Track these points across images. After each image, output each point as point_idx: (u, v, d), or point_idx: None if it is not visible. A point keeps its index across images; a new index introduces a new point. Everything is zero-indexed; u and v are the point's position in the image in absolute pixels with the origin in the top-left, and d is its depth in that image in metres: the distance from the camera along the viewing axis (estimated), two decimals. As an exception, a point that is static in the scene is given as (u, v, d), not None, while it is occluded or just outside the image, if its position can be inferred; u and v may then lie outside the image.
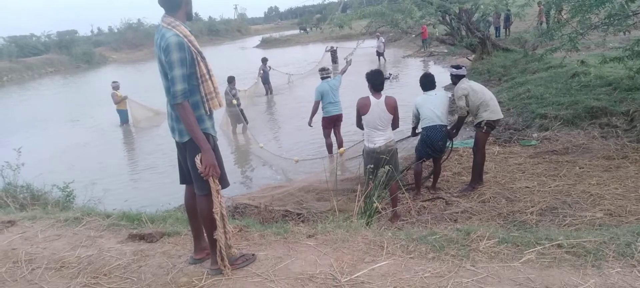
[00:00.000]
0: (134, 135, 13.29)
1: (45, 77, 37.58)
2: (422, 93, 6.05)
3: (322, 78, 8.39)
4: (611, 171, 6.01)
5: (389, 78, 17.32)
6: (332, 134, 8.58)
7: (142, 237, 3.51)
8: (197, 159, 2.65)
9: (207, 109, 2.73)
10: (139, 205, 6.04)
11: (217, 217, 2.70)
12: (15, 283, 2.99)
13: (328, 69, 8.74)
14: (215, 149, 2.76)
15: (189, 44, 2.60)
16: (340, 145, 8.49)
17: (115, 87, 13.53)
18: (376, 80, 5.13)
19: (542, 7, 17.98)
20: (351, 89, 10.34)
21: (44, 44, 49.31)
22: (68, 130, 14.85)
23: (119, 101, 13.54)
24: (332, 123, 8.45)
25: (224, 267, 2.80)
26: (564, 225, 4.54)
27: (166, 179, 8.38)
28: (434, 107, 5.81)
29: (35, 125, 15.97)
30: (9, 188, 5.59)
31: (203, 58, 2.68)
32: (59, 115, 17.66)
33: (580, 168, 6.23)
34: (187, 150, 2.74)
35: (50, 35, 51.77)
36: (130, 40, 53.90)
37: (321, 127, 8.55)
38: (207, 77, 2.69)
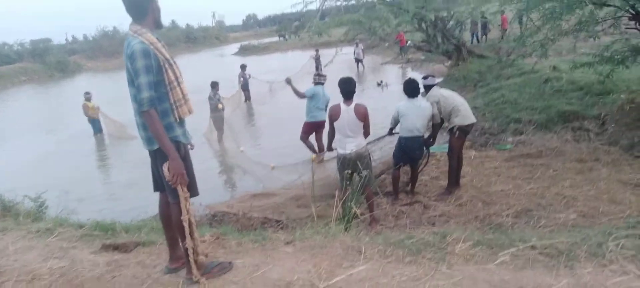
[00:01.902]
0: (108, 145, 13.03)
1: (18, 86, 36.67)
2: (405, 99, 6.07)
3: (316, 83, 8.39)
4: (584, 173, 6.15)
5: (380, 84, 17.59)
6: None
7: (116, 247, 3.44)
8: (165, 167, 2.61)
9: (177, 116, 2.69)
10: (114, 214, 5.91)
11: (186, 225, 2.67)
12: (-16, 298, 2.90)
13: (324, 76, 8.72)
14: (185, 157, 2.72)
15: (156, 51, 2.57)
16: (320, 150, 8.49)
17: (87, 98, 13.25)
18: (346, 88, 5.19)
19: (505, 16, 18.46)
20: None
21: (16, 53, 48.17)
22: (41, 140, 14.49)
23: (90, 113, 13.27)
24: (314, 129, 8.44)
25: (199, 276, 2.76)
26: (539, 227, 4.63)
27: (141, 188, 8.22)
28: (417, 120, 5.81)
29: (8, 135, 15.56)
30: (-22, 201, 5.42)
31: (171, 65, 2.64)
32: (32, 125, 17.25)
33: (554, 171, 6.37)
34: (157, 158, 2.71)
35: (23, 44, 50.64)
36: (105, 48, 52.97)
37: (301, 132, 8.51)
38: (176, 84, 2.65)
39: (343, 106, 5.15)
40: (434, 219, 5.36)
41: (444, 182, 6.43)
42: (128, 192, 8.51)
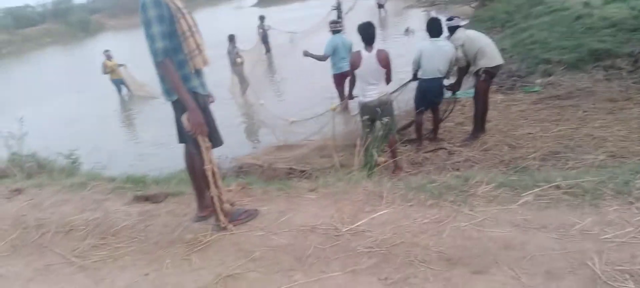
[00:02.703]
0: (133, 103, 13.25)
1: (43, 48, 37.27)
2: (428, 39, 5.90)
3: (334, 32, 8.06)
4: (615, 113, 5.99)
5: (407, 32, 17.11)
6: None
7: (147, 198, 3.57)
8: (184, 118, 2.64)
9: (192, 67, 2.68)
10: (144, 169, 6.09)
11: (209, 174, 2.73)
12: (27, 248, 3.07)
13: (339, 22, 8.44)
14: (204, 108, 2.74)
15: (167, 1, 2.55)
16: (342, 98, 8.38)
17: (108, 56, 13.25)
18: (367, 34, 5.05)
19: None
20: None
21: (39, 14, 48.66)
22: (69, 101, 14.83)
23: (110, 71, 13.33)
24: (343, 79, 8.27)
25: (227, 222, 2.86)
26: (566, 169, 4.55)
27: (169, 142, 8.39)
28: (438, 62, 5.67)
29: (37, 97, 15.96)
30: (14, 158, 5.64)
31: (183, 15, 2.60)
32: (59, 86, 17.62)
33: (583, 112, 6.21)
34: (177, 110, 2.74)
35: (45, 5, 51.02)
36: (127, 6, 52.60)
37: (334, 84, 8.30)
38: (188, 34, 2.62)
39: (364, 53, 5.04)
40: (459, 165, 5.33)
41: (469, 128, 6.34)
42: (156, 149, 8.70)
